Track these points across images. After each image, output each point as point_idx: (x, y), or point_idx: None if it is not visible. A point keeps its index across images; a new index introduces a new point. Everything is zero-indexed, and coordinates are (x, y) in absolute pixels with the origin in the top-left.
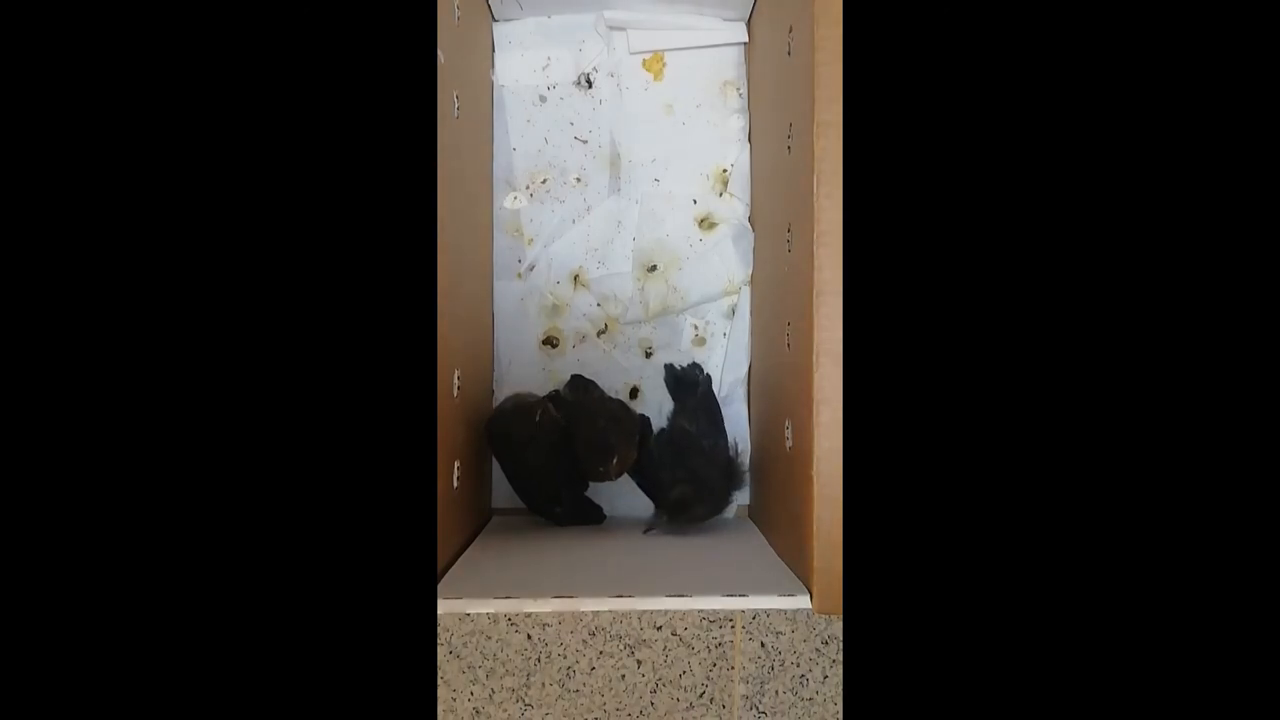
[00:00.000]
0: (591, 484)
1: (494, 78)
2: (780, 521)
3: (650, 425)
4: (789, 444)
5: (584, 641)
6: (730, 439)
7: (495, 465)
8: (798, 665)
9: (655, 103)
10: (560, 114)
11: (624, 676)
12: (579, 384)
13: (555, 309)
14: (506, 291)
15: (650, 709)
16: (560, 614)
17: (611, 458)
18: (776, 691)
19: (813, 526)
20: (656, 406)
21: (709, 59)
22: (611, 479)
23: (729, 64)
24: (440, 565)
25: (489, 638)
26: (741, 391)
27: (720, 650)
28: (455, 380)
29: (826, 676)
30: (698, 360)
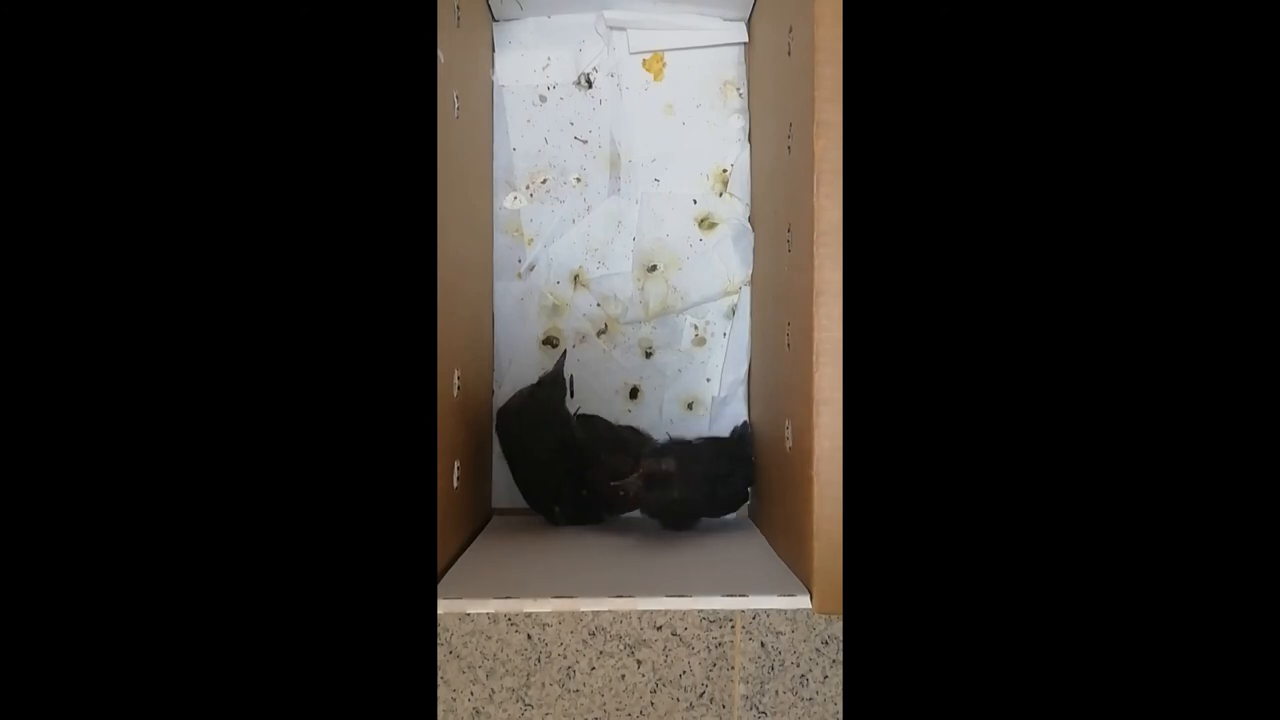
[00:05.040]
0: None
1: (494, 78)
2: (780, 521)
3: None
4: (789, 444)
5: (584, 641)
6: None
7: (495, 466)
8: (798, 665)
9: (655, 103)
10: (560, 114)
11: (624, 676)
12: (585, 422)
13: (555, 309)
14: (506, 291)
15: (650, 709)
16: (560, 614)
17: (622, 482)
18: (776, 691)
19: (813, 526)
20: (656, 407)
21: (709, 59)
22: (631, 501)
23: (729, 64)
24: (440, 565)
25: (489, 638)
26: (741, 391)
27: (720, 650)
28: (455, 380)
29: (826, 676)
30: (698, 360)
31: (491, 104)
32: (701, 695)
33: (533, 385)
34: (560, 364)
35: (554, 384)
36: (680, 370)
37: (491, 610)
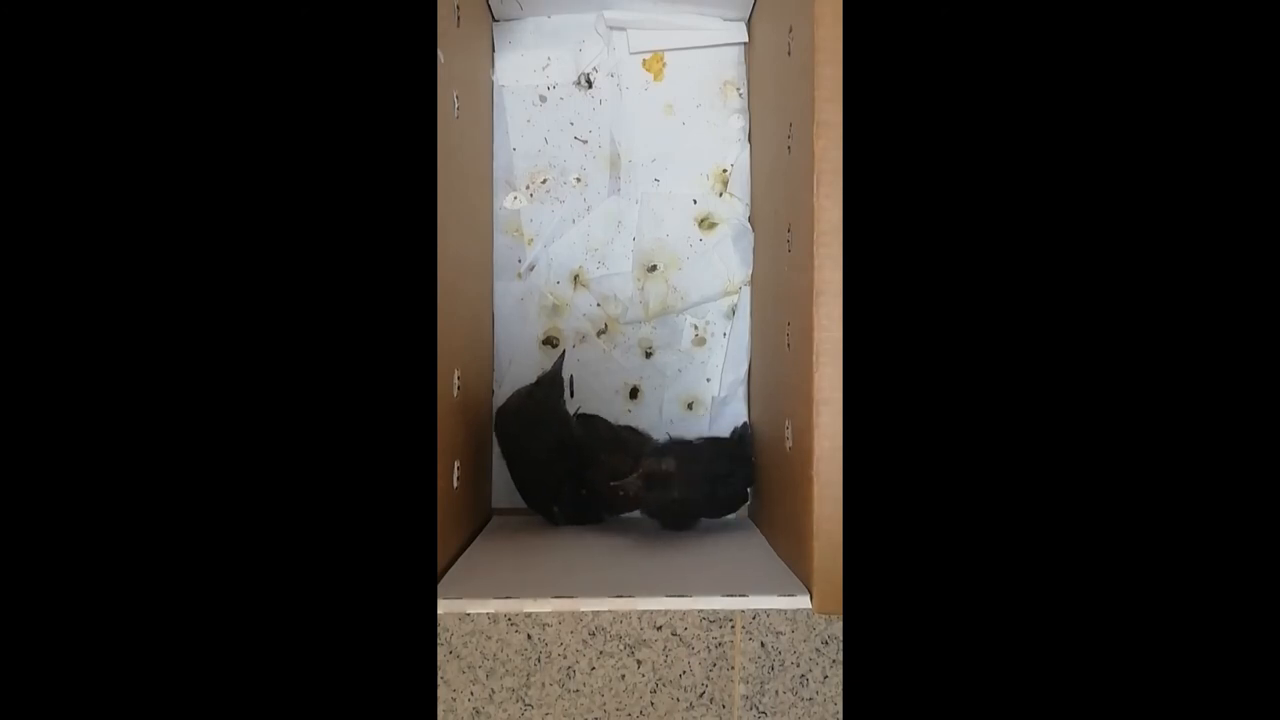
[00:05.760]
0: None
1: (494, 78)
2: (780, 521)
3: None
4: (789, 444)
5: (584, 641)
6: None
7: (495, 466)
8: (798, 665)
9: (655, 103)
10: (560, 114)
11: (624, 676)
12: (585, 422)
13: (555, 309)
14: (506, 291)
15: (650, 709)
16: (560, 614)
17: (622, 482)
18: (776, 691)
19: (813, 526)
20: (656, 407)
21: (709, 59)
22: (631, 501)
23: (729, 64)
24: (440, 565)
25: (489, 638)
26: (741, 391)
27: (720, 650)
28: (455, 380)
29: (826, 676)
30: (698, 360)
31: (491, 104)
32: (701, 695)
33: (531, 385)
34: (558, 365)
35: (551, 385)
36: (680, 370)
37: (491, 610)
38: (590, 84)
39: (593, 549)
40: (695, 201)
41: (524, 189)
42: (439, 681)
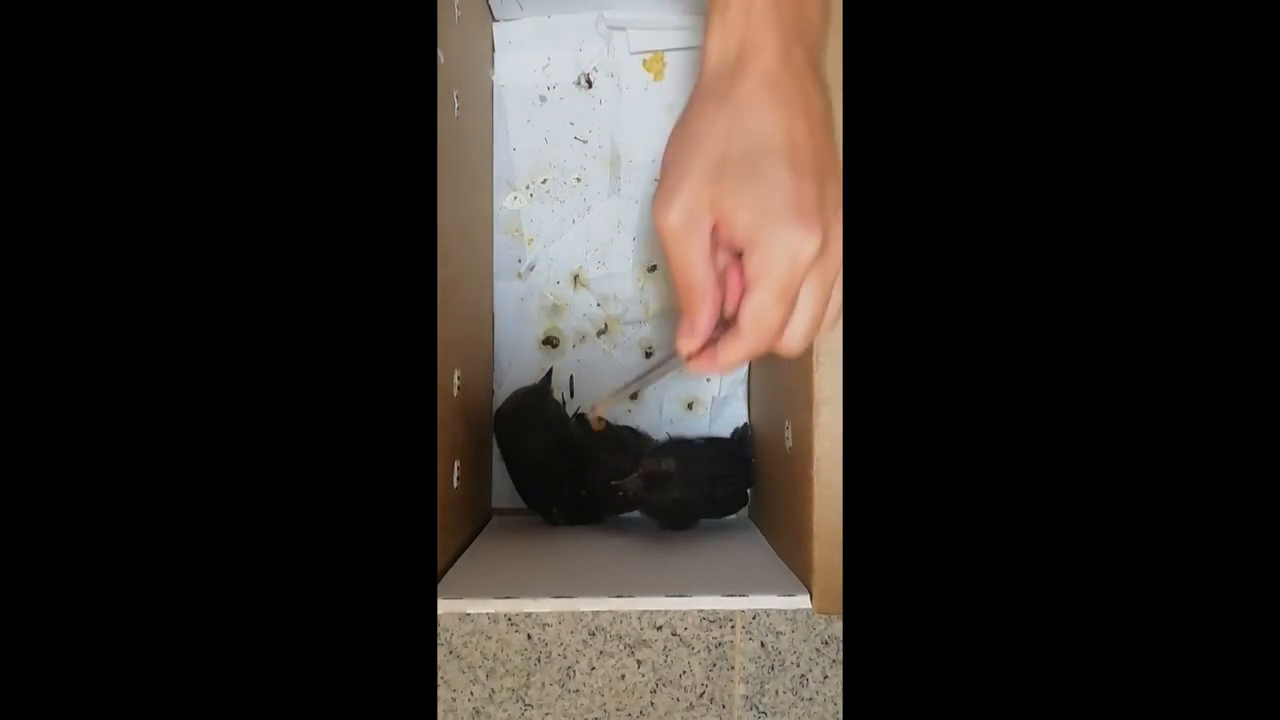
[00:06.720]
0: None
1: (494, 78)
2: (780, 521)
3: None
4: (789, 444)
5: (584, 641)
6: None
7: (495, 466)
8: (798, 665)
9: (655, 103)
10: (560, 114)
11: (624, 676)
12: (585, 422)
13: (555, 309)
14: (506, 291)
15: (650, 709)
16: (560, 614)
17: (622, 481)
18: (776, 691)
19: (813, 526)
20: (656, 407)
21: None
22: (631, 501)
23: None
24: (440, 565)
25: (489, 638)
26: (741, 391)
27: (720, 650)
28: (455, 380)
29: (826, 676)
30: None
31: (491, 104)
32: (701, 695)
33: (525, 387)
34: (545, 381)
35: (538, 395)
36: (680, 370)
37: (491, 610)
38: (590, 84)
39: (593, 549)
40: None
41: (524, 189)
42: (439, 681)
